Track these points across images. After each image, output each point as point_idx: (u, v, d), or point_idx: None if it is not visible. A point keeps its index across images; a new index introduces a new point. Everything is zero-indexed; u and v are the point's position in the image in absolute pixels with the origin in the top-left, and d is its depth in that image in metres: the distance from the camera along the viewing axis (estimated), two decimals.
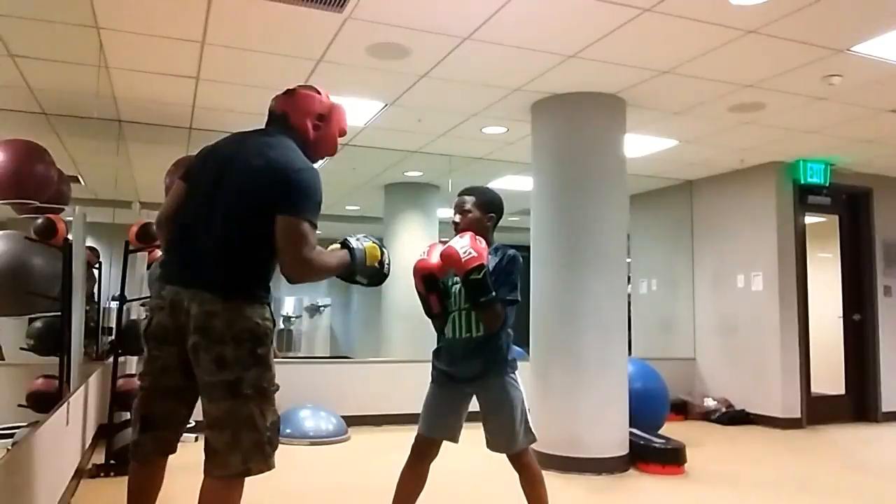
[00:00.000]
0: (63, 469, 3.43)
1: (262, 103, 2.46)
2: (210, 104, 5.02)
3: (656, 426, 5.41)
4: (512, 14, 3.53)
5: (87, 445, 4.44)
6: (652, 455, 4.68)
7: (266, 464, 2.08)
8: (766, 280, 6.68)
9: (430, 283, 2.74)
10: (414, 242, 7.84)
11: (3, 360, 3.65)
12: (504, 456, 2.76)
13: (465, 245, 2.61)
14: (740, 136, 5.83)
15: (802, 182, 6.65)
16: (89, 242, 4.53)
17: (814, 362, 6.72)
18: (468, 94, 4.82)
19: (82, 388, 4.01)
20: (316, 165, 2.27)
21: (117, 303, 4.55)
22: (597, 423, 4.64)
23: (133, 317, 5.13)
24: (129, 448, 2.21)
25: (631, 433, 4.81)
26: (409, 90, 4.74)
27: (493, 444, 2.75)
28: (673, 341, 7.76)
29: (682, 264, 7.72)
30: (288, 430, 5.34)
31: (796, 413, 6.53)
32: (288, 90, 2.36)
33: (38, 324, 3.58)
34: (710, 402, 6.95)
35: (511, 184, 7.16)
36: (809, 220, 6.99)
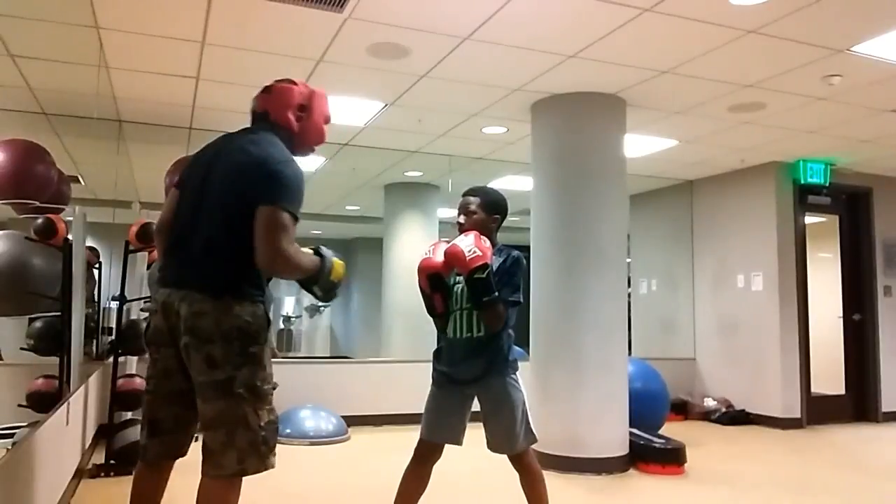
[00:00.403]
0: (63, 469, 3.43)
1: None
2: (210, 104, 5.03)
3: (656, 426, 5.41)
4: (512, 14, 3.53)
5: (87, 445, 4.44)
6: (652, 455, 4.68)
7: (262, 464, 2.07)
8: (766, 280, 6.69)
9: (435, 282, 2.73)
10: (414, 242, 7.86)
11: (2, 359, 3.66)
12: (504, 456, 2.76)
13: (469, 244, 2.61)
14: (740, 136, 5.83)
15: (802, 182, 6.66)
16: (89, 242, 4.53)
17: (814, 362, 6.72)
18: (468, 94, 4.82)
19: (82, 388, 4.01)
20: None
21: (117, 303, 4.55)
22: (597, 423, 4.64)
23: (133, 317, 5.13)
24: (139, 450, 2.21)
25: (631, 433, 4.81)
26: (409, 90, 4.74)
27: (493, 445, 2.75)
28: (673, 341, 7.76)
29: (682, 264, 7.72)
30: (288, 430, 5.34)
31: (796, 413, 6.54)
32: (265, 87, 2.36)
33: (38, 324, 3.57)
34: (710, 402, 6.95)
35: (511, 184, 7.15)
36: (809, 220, 6.99)
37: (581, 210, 4.77)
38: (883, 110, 5.06)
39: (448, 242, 2.70)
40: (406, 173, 7.67)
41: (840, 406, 6.96)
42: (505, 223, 2.95)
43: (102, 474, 4.15)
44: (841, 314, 7.08)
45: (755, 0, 3.34)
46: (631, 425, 4.83)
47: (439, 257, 2.70)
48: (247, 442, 2.04)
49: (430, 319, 2.86)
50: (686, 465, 4.69)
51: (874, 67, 4.18)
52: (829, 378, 6.95)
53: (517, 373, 2.77)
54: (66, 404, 3.26)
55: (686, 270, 7.68)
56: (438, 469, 2.83)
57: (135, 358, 5.32)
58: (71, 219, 3.57)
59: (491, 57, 4.12)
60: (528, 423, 2.74)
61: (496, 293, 2.60)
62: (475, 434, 2.80)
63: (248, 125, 2.35)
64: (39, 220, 3.29)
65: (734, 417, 6.69)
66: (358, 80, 4.57)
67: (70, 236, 3.43)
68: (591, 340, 4.67)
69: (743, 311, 6.91)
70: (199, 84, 4.60)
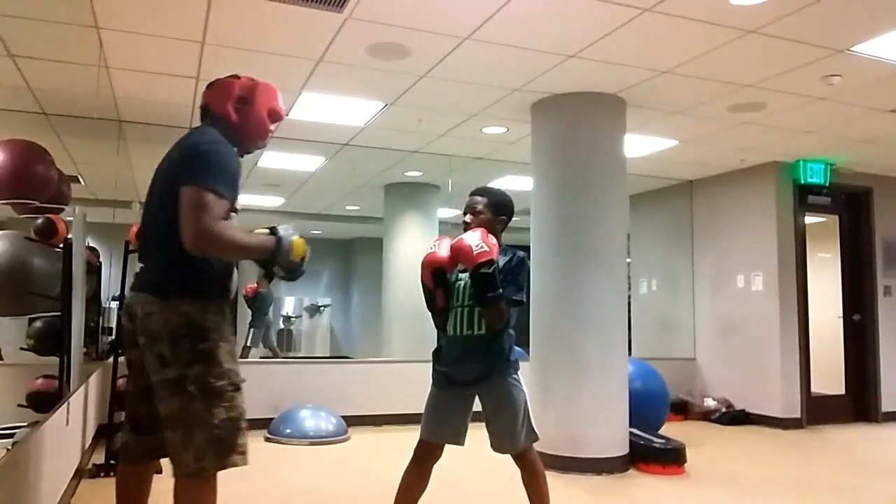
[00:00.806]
0: (63, 469, 3.43)
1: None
2: None
3: (656, 426, 5.41)
4: (512, 14, 3.53)
5: (87, 445, 4.44)
6: (652, 455, 4.68)
7: (221, 462, 2.04)
8: (766, 280, 6.68)
9: (439, 276, 2.73)
10: (414, 242, 7.87)
11: (2, 359, 3.66)
12: (507, 455, 2.77)
13: (477, 239, 2.62)
14: (740, 136, 5.83)
15: (802, 182, 6.66)
16: (89, 242, 4.53)
17: (814, 362, 6.72)
18: (468, 94, 4.82)
19: (82, 388, 4.01)
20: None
21: (117, 303, 4.55)
22: (597, 422, 4.64)
23: None
24: (119, 449, 2.26)
25: (631, 433, 4.81)
26: (409, 90, 4.74)
27: (496, 445, 2.76)
28: (673, 341, 7.76)
29: (682, 264, 7.72)
30: (288, 430, 5.33)
31: (796, 413, 6.53)
32: (209, 83, 2.37)
33: (38, 324, 3.58)
34: (710, 402, 6.95)
35: (511, 184, 7.15)
36: (809, 220, 6.99)
37: (581, 210, 4.77)
38: (883, 110, 5.06)
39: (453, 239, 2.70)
40: (406, 173, 7.67)
41: (840, 406, 6.95)
42: None
43: (102, 474, 4.14)
44: (841, 314, 7.08)
45: (755, 0, 3.35)
46: (631, 425, 4.83)
47: (444, 252, 2.70)
48: (203, 440, 2.03)
49: (430, 319, 2.86)
50: (686, 465, 4.69)
51: (874, 67, 4.18)
52: (829, 378, 6.94)
53: (518, 372, 2.77)
54: (66, 404, 3.26)
55: (686, 270, 7.68)
56: (440, 469, 2.83)
57: None
58: (71, 219, 3.56)
59: (491, 57, 4.12)
60: (529, 422, 2.74)
61: (500, 290, 2.60)
62: (474, 433, 2.80)
63: None
64: (39, 220, 3.29)
65: (734, 417, 6.69)
66: (358, 80, 4.57)
67: (70, 236, 3.44)
68: (591, 340, 4.67)
69: (743, 311, 6.91)
70: (199, 84, 4.59)
